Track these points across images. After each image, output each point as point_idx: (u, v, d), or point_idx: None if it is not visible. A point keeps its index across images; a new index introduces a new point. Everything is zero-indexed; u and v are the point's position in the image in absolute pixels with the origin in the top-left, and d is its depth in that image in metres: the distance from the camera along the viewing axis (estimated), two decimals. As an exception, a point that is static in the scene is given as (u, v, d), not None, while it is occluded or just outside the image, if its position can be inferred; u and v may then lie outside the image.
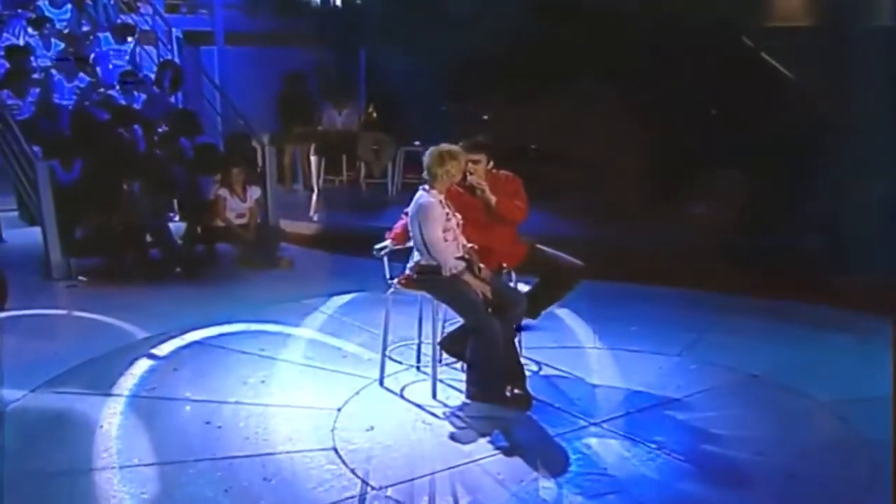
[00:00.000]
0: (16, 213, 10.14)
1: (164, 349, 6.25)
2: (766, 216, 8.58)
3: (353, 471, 4.51)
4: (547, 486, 4.39)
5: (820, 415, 5.18)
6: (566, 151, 10.44)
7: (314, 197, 11.13)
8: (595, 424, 5.05)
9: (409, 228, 5.39)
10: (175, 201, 9.69)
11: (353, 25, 13.33)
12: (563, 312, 6.41)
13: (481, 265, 5.39)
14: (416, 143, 11.15)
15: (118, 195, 8.72)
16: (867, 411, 4.79)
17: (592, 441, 4.86)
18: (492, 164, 5.82)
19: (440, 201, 5.29)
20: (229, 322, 6.88)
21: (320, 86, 12.75)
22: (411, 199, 5.41)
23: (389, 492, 4.31)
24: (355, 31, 13.35)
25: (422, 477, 4.46)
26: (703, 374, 5.78)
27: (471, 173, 5.64)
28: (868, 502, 4.25)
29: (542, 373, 5.86)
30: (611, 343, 6.43)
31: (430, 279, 5.31)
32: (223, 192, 9.08)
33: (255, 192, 9.30)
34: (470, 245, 5.43)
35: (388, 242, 5.73)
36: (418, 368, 5.87)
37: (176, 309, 7.32)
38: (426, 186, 5.36)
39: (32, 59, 10.59)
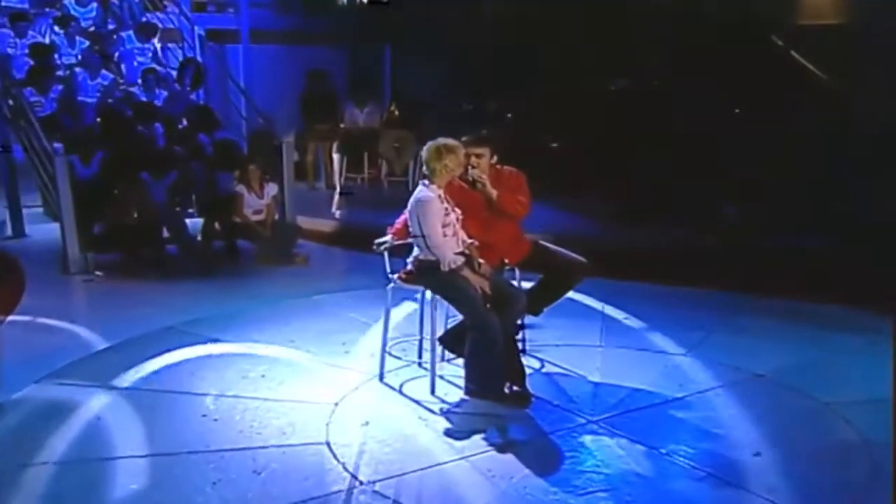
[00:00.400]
0: (41, 209, 10.27)
1: (168, 343, 6.26)
2: (777, 216, 8.47)
3: (343, 465, 4.50)
4: (537, 483, 4.34)
5: (823, 415, 5.07)
6: (581, 150, 10.35)
7: (335, 195, 11.12)
8: (593, 422, 4.99)
9: (409, 223, 5.35)
10: (193, 197, 9.74)
11: (377, 24, 13.32)
12: (566, 310, 6.33)
13: (481, 261, 5.34)
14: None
15: (136, 191, 8.79)
16: (871, 412, 4.69)
17: (588, 439, 4.81)
18: (495, 158, 5.74)
19: (439, 196, 5.25)
20: (235, 317, 6.92)
21: (343, 84, 12.76)
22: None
23: (377, 486, 4.29)
24: (379, 29, 13.35)
25: (411, 472, 4.43)
26: (707, 374, 5.70)
27: (473, 167, 5.58)
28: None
29: (543, 370, 5.81)
30: (615, 341, 6.37)
31: (429, 274, 5.27)
32: (240, 188, 9.12)
33: (272, 189, 9.33)
34: (470, 241, 5.37)
35: (388, 237, 5.71)
36: (419, 364, 5.82)
37: (189, 304, 7.34)
38: (426, 181, 5.32)
39: (56, 56, 10.71)
